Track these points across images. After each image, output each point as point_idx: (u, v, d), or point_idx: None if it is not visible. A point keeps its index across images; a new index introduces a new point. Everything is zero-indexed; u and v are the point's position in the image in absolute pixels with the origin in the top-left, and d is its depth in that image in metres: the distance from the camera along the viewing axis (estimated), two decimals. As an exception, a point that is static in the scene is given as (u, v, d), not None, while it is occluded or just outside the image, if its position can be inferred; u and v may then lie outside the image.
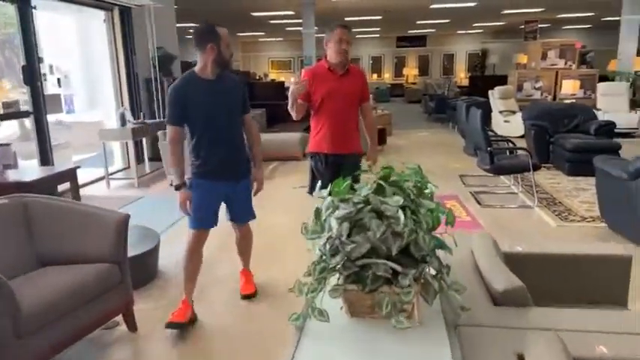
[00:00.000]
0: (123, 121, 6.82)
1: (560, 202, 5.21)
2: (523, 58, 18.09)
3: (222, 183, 2.93)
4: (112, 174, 7.11)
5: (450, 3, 12.51)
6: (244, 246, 3.32)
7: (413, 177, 1.65)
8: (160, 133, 6.66)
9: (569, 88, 9.68)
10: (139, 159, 7.83)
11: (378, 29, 19.82)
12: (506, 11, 14.81)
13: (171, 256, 4.08)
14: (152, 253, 3.58)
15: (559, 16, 16.83)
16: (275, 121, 10.98)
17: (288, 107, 3.22)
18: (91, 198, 6.31)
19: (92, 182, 6.98)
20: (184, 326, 2.87)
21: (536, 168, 5.13)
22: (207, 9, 12.70)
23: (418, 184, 1.62)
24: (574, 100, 9.75)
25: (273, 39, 22.93)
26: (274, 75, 22.81)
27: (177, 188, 2.84)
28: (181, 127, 2.80)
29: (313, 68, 3.41)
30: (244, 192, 3.08)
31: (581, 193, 5.55)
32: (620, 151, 6.28)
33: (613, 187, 4.01)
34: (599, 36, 19.70)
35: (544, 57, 10.67)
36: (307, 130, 10.04)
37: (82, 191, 6.57)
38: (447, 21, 17.21)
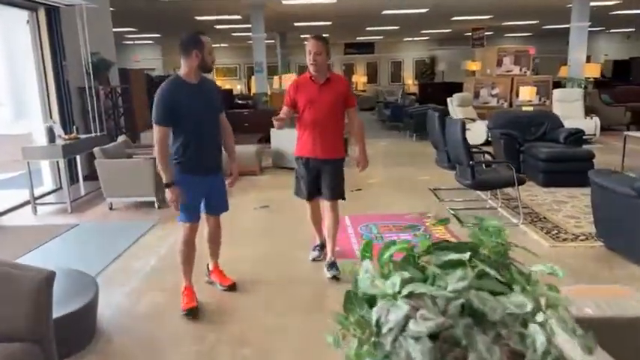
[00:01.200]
0: (51, 136, 5.90)
1: (545, 218, 4.87)
2: (472, 65, 18.24)
3: (207, 177, 3.21)
4: (39, 197, 6.16)
5: (401, 9, 12.27)
6: (217, 236, 3.52)
7: (491, 238, 1.08)
8: (96, 149, 5.81)
9: (527, 94, 9.58)
10: (73, 179, 6.89)
11: (326, 35, 19.41)
12: (455, 18, 14.80)
13: (114, 306, 3.32)
14: (88, 309, 2.83)
15: (505, 23, 17.11)
16: (225, 132, 10.22)
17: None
18: (11, 230, 5.37)
19: (15, 208, 6.00)
20: (197, 309, 3.19)
21: (521, 182, 4.77)
22: (148, 12, 11.78)
23: (499, 251, 1.06)
24: (531, 107, 9.67)
25: (218, 45, 22.03)
26: (219, 82, 21.91)
27: (168, 186, 3.01)
28: (169, 127, 3.00)
29: (298, 79, 3.76)
30: (222, 185, 3.37)
31: (562, 207, 5.24)
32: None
33: (615, 204, 3.66)
34: (540, 44, 20.24)
35: (499, 63, 10.57)
36: (262, 141, 9.29)
37: (1, 220, 5.63)
38: (397, 27, 17.07)
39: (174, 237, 4.73)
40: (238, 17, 12.32)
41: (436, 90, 17.99)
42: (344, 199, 3.72)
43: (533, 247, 4.18)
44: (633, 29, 21.34)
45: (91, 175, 6.75)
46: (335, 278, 3.61)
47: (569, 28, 10.73)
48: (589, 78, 10.97)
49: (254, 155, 7.58)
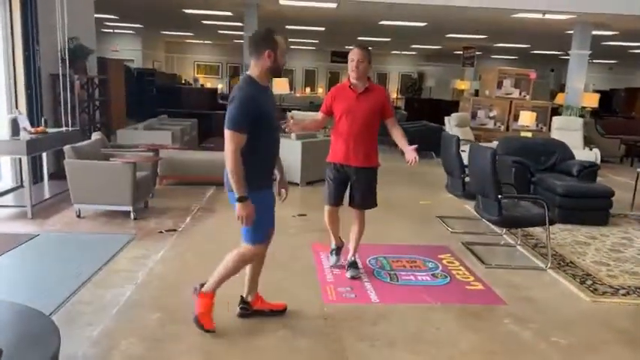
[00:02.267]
0: (15, 129, 5.13)
1: (572, 263, 4.40)
2: (461, 84, 18.08)
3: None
4: (-5, 198, 5.36)
5: (400, 21, 11.84)
6: (263, 257, 3.18)
7: None
8: (67, 148, 5.06)
9: (527, 119, 9.25)
10: (37, 177, 6.10)
11: (315, 41, 18.92)
12: (450, 35, 14.49)
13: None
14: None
15: (496, 45, 16.95)
16: (209, 134, 9.54)
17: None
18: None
19: (-35, 210, 5.19)
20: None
21: (552, 222, 4.30)
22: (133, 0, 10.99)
23: None
24: (529, 133, 9.35)
25: (201, 41, 21.23)
26: (200, 80, 21.09)
27: (241, 200, 2.69)
28: (245, 136, 2.70)
29: (338, 86, 3.76)
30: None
31: (586, 249, 4.80)
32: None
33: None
34: (524, 68, 20.31)
35: (499, 85, 10.22)
36: None
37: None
38: (388, 40, 16.69)
39: (155, 258, 4.08)
40: (229, 14, 11.64)
41: (423, 105, 17.66)
42: (376, 206, 3.78)
43: (571, 302, 3.71)
44: (616, 61, 21.64)
45: (58, 174, 5.98)
46: (354, 278, 3.76)
47: (556, 54, 10.49)
48: (586, 107, 10.75)
49: (242, 164, 6.92)
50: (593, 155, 9.11)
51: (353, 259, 3.87)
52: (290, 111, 11.13)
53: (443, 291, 3.70)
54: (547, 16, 9.58)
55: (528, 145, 6.87)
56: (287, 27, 13.96)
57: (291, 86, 22.58)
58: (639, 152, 10.86)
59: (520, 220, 4.38)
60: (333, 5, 9.77)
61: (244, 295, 3.12)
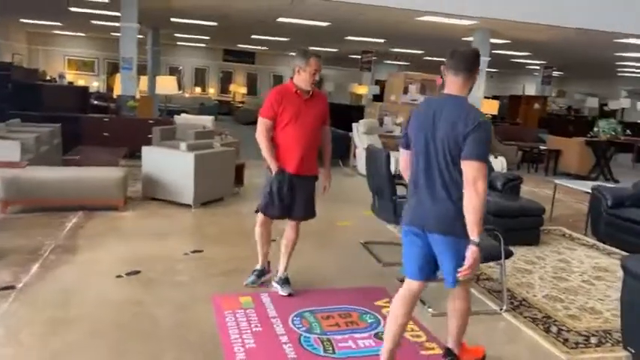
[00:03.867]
0: None
1: (525, 301, 3.77)
2: (359, 89, 17.76)
3: None
4: None
5: (302, 19, 10.98)
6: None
7: None
8: None
9: (435, 127, 8.86)
10: None
11: (206, 38, 17.42)
12: (350, 37, 13.97)
13: None
14: None
15: (393, 50, 16.86)
16: (75, 142, 7.81)
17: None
18: None
19: None
20: None
21: (508, 255, 3.61)
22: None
23: None
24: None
25: (72, 33, 18.62)
26: (71, 77, 18.49)
27: (480, 245, 2.33)
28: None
29: (280, 89, 3.47)
30: None
31: (529, 278, 4.23)
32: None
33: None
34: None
35: (405, 91, 9.77)
36: (127, 156, 6.92)
37: None
38: (286, 39, 15.81)
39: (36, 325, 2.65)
40: (104, 0, 9.90)
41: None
42: (315, 215, 3.60)
43: (542, 357, 3.02)
44: (497, 70, 22.93)
45: None
46: (291, 295, 3.53)
47: (444, 61, 10.29)
48: (487, 115, 10.72)
49: (117, 181, 5.49)
50: (499, 164, 8.99)
51: (286, 274, 3.61)
52: (179, 114, 9.72)
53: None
54: (451, 20, 9.31)
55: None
56: (173, 20, 12.45)
57: (180, 86, 20.79)
58: (534, 158, 11.10)
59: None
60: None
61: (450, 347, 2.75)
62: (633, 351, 2.89)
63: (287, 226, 3.57)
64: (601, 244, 5.37)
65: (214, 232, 5.01)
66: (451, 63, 2.46)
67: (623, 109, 18.08)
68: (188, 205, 5.69)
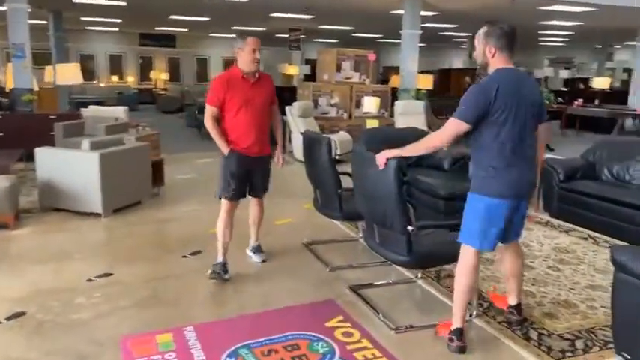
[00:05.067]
0: None
1: (482, 296, 3.31)
2: (290, 69, 16.98)
3: None
4: None
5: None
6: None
7: None
8: None
9: (372, 105, 8.36)
10: None
11: (118, 21, 15.90)
12: (274, 14, 13.14)
13: None
14: None
15: (321, 27, 16.19)
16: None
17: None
18: None
19: None
20: None
21: (476, 254, 3.11)
22: None
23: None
24: (376, 122, 8.49)
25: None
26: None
27: None
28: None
29: (227, 75, 3.51)
30: None
31: (493, 271, 3.79)
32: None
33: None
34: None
35: (338, 68, 9.17)
36: (24, 159, 5.81)
37: None
38: (207, 19, 14.68)
39: None
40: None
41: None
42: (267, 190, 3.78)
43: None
44: (425, 44, 22.92)
45: None
46: (264, 261, 3.81)
47: (374, 37, 9.84)
48: (421, 89, 10.38)
49: (3, 192, 4.51)
50: (440, 140, 8.65)
51: (258, 243, 3.92)
52: (86, 106, 8.56)
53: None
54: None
55: (392, 136, 5.78)
56: (75, 1, 11.05)
57: (94, 75, 19.07)
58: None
59: (437, 258, 3.10)
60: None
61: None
62: (628, 357, 2.49)
63: (251, 205, 3.78)
64: (555, 221, 5.09)
65: (128, 247, 4.20)
66: (505, 42, 2.61)
67: (546, 77, 18.58)
68: (97, 215, 4.82)
